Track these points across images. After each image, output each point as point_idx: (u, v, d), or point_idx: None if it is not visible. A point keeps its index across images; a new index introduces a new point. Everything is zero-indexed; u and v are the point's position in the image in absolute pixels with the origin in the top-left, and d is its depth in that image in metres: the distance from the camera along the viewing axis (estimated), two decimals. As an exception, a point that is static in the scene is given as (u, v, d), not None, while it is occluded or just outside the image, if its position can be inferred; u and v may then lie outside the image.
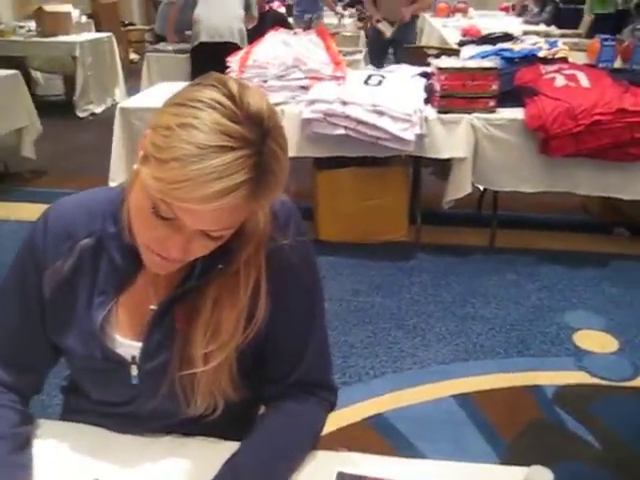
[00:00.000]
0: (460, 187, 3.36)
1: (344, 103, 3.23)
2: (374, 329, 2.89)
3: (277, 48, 3.57)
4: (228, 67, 3.61)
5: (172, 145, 0.76)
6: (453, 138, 3.29)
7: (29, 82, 6.04)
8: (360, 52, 5.47)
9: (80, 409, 1.14)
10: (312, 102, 3.29)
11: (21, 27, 6.55)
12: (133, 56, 9.01)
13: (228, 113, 0.77)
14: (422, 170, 3.80)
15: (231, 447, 1.00)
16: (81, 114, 6.48)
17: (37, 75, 7.27)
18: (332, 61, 3.54)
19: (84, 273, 0.99)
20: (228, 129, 0.76)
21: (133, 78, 6.96)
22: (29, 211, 4.06)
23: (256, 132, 0.78)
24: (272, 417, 1.05)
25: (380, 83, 3.45)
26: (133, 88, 6.25)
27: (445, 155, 3.33)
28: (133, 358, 1.01)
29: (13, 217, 4.02)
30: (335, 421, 2.28)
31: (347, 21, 8.13)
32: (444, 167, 3.56)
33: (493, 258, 3.52)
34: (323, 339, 1.08)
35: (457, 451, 2.14)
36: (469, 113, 3.27)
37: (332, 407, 1.10)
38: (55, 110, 6.47)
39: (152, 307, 0.99)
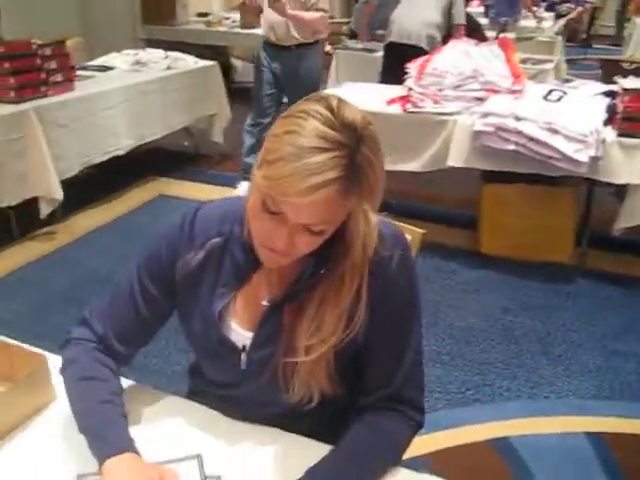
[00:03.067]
0: (634, 215, 3.20)
1: (517, 118, 3.19)
2: (518, 350, 2.85)
3: (457, 57, 3.58)
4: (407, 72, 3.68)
5: (279, 148, 0.91)
6: (631, 163, 3.13)
7: (229, 69, 6.45)
8: (551, 61, 5.20)
9: (199, 391, 1.31)
10: (485, 115, 3.28)
11: (227, 18, 7.03)
12: (328, 48, 9.29)
13: (326, 121, 0.91)
14: (599, 190, 3.62)
15: (320, 449, 1.09)
16: (270, 102, 6.79)
17: (236, 63, 7.76)
18: (511, 74, 3.49)
19: (210, 267, 1.15)
20: (325, 134, 0.90)
21: (326, 70, 7.19)
22: (206, 192, 4.41)
23: (350, 137, 0.91)
24: (359, 430, 1.11)
25: (560, 99, 3.36)
26: (323, 80, 6.46)
27: (620, 180, 3.18)
28: (244, 346, 1.14)
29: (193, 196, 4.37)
30: (459, 437, 2.31)
31: (546, 24, 7.66)
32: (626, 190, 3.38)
33: (660, 293, 3.32)
34: (417, 357, 1.14)
35: (576, 490, 2.09)
36: (652, 139, 3.09)
37: (419, 427, 1.16)
38: (248, 96, 6.86)
39: (264, 303, 1.12)
